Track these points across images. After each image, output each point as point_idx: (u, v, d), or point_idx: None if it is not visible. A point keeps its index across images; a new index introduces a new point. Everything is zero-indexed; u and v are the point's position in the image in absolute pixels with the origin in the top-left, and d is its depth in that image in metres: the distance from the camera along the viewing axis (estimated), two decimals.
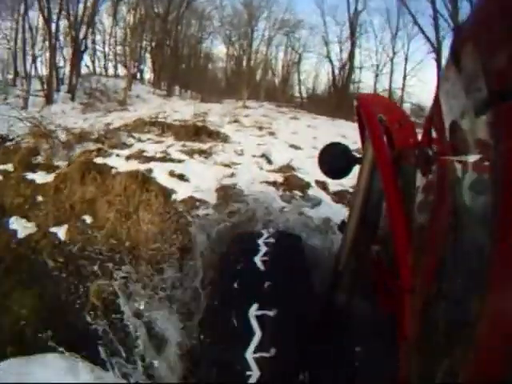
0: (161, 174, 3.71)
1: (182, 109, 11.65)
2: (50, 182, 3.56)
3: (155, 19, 19.88)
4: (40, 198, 3.36)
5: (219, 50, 24.68)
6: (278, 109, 15.37)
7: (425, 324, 0.81)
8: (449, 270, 0.73)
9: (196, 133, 5.59)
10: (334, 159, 1.53)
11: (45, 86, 12.30)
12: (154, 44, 20.95)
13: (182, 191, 3.40)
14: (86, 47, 17.05)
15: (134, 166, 3.87)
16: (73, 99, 12.94)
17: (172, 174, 3.76)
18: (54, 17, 13.46)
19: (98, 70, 19.94)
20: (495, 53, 0.56)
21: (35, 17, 13.67)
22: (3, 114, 8.72)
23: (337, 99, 17.49)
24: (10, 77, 14.22)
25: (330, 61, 19.71)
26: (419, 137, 1.21)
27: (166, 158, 4.31)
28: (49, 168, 3.98)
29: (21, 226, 2.90)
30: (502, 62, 0.53)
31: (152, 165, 3.96)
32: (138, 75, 21.14)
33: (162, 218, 2.95)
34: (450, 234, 0.74)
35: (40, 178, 3.75)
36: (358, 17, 18.08)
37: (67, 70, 14.56)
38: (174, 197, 3.30)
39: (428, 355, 0.76)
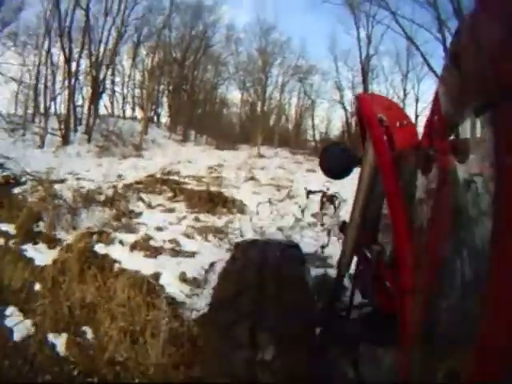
0: (170, 277, 3.09)
1: (196, 157, 11.82)
2: (49, 266, 3.27)
3: (173, 64, 21.02)
4: (38, 287, 3.12)
5: (234, 95, 26.23)
6: (294, 157, 15.52)
7: (425, 324, 0.82)
8: (449, 270, 0.74)
9: (210, 199, 5.14)
10: (335, 159, 1.55)
11: (62, 126, 12.58)
12: (171, 88, 22.03)
13: (197, 303, 2.82)
14: (105, 88, 17.58)
15: (140, 261, 3.32)
16: (89, 141, 13.20)
17: (183, 278, 3.12)
18: (76, 55, 14.13)
19: (116, 111, 20.92)
20: (494, 53, 0.57)
21: (57, 54, 14.19)
22: (18, 152, 9.16)
23: (351, 144, 18.01)
24: (30, 112, 14.62)
25: (343, 106, 20.24)
26: (419, 137, 1.24)
27: (176, 250, 3.66)
28: (50, 241, 3.72)
29: (17, 324, 2.68)
30: (501, 62, 0.55)
31: (160, 262, 3.34)
32: (155, 118, 22.08)
33: (175, 343, 2.47)
34: (450, 233, 0.76)
35: (39, 256, 3.49)
36: (369, 61, 18.70)
37: (86, 109, 15.07)
38: (187, 314, 2.72)
39: (428, 355, 0.76)
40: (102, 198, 4.91)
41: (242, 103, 25.95)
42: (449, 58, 0.84)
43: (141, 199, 5.12)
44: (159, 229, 4.16)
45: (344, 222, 1.59)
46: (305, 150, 17.95)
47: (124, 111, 21.04)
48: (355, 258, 1.55)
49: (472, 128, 0.69)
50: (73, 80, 13.90)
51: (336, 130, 22.92)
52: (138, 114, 20.59)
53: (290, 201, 6.23)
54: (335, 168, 1.55)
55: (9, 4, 12.79)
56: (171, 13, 18.97)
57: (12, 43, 13.94)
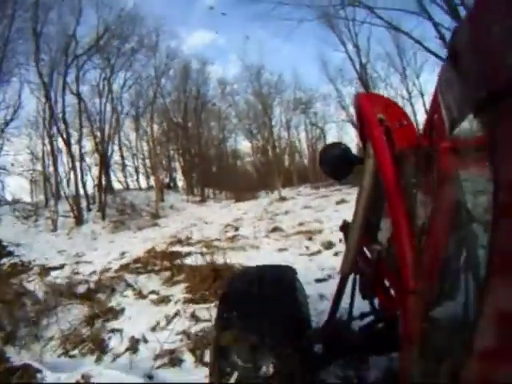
0: None
1: (214, 215, 12.06)
2: None
3: (176, 128, 21.91)
4: None
5: (243, 145, 27.08)
6: (318, 192, 15.35)
7: (426, 324, 0.83)
8: (450, 270, 0.79)
9: (216, 277, 3.83)
10: (335, 159, 1.57)
11: (74, 207, 13.04)
12: (180, 152, 22.90)
13: None
14: (109, 163, 18.16)
15: None
16: (103, 218, 13.52)
17: None
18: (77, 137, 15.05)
19: (130, 184, 21.77)
20: (494, 52, 0.60)
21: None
22: (30, 238, 9.37)
23: None
24: (42, 197, 15.60)
25: (353, 123, 20.25)
26: (419, 137, 1.29)
27: None
28: None
29: None
30: (501, 61, 0.57)
31: None
32: (171, 184, 22.84)
33: None
34: (451, 234, 0.79)
35: None
36: (365, 71, 19.30)
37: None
38: None
39: (429, 355, 0.80)
40: (84, 289, 4.01)
41: (253, 150, 26.75)
42: (448, 57, 0.86)
43: (130, 286, 4.13)
44: (136, 342, 2.85)
45: (346, 223, 1.64)
46: (327, 181, 17.64)
47: (138, 183, 22.13)
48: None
49: (472, 128, 0.71)
50: (78, 161, 14.85)
51: (353, 149, 23.58)
52: (154, 183, 21.41)
53: (328, 252, 4.86)
54: (335, 168, 1.59)
55: (8, 102, 13.79)
56: (158, 80, 19.98)
57: (17, 135, 15.03)
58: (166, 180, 22.28)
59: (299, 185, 19.51)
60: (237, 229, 8.31)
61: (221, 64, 33.73)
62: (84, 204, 14.42)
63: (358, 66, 18.97)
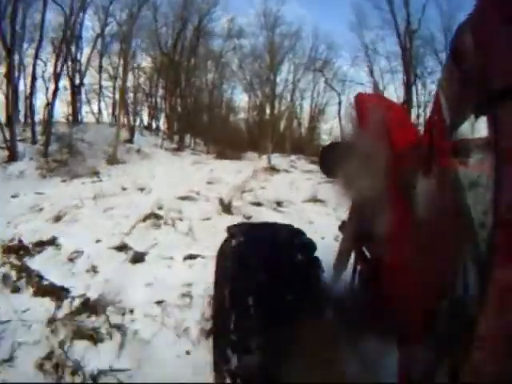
0: None
1: (176, 174, 9.91)
2: None
3: (165, 61, 20.40)
4: None
5: (241, 99, 26.30)
6: (314, 167, 13.35)
7: (425, 323, 0.91)
8: (450, 269, 0.83)
9: None
10: (335, 159, 1.63)
11: (7, 136, 11.06)
12: (166, 89, 21.51)
13: None
14: (78, 90, 17.07)
15: None
16: (46, 155, 11.72)
17: None
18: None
19: (106, 119, 20.63)
20: (494, 53, 0.64)
21: None
22: None
23: None
24: None
25: (377, 89, 19.43)
26: (419, 137, 1.34)
27: None
28: None
29: None
30: (502, 62, 0.62)
31: None
32: (154, 126, 21.71)
33: None
34: (451, 233, 0.85)
35: None
36: (411, 39, 17.21)
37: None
38: None
39: (428, 355, 0.86)
40: None
41: (249, 107, 25.89)
42: (449, 58, 0.92)
43: None
44: None
45: (343, 222, 1.72)
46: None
47: (115, 118, 20.17)
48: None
49: (472, 128, 0.76)
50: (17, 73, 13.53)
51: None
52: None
53: None
54: (335, 168, 1.63)
55: None
56: None
57: None
58: (136, 119, 20.93)
59: (292, 154, 18.58)
60: (180, 212, 5.83)
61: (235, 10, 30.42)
62: (28, 134, 12.86)
63: (402, 32, 16.94)
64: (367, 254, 1.58)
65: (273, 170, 12.51)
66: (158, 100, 22.65)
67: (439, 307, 0.86)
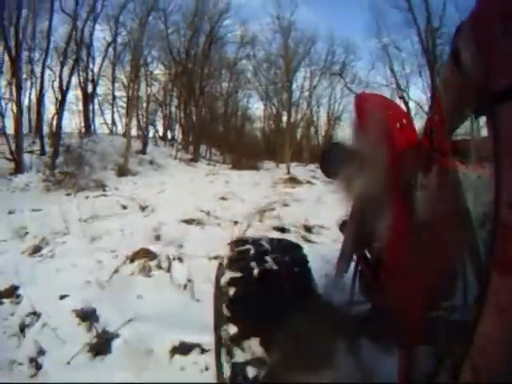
0: None
1: (188, 187, 9.43)
2: None
3: (176, 66, 20.04)
4: None
5: (256, 108, 26.23)
6: None
7: (426, 323, 0.92)
8: (450, 270, 0.87)
9: None
10: (336, 160, 1.64)
11: (13, 148, 10.99)
12: (180, 97, 21.13)
13: None
14: (91, 100, 16.95)
15: None
16: (53, 167, 11.02)
17: None
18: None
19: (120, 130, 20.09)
20: (495, 53, 0.65)
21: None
22: None
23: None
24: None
25: (402, 97, 19.27)
26: (419, 137, 1.35)
27: None
28: None
29: None
30: (502, 62, 0.62)
31: None
32: (170, 136, 21.40)
33: None
34: (450, 233, 0.86)
35: None
36: (433, 36, 16.48)
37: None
38: None
39: (428, 355, 0.88)
40: None
41: (265, 115, 25.76)
42: (449, 58, 0.92)
43: None
44: None
45: (343, 221, 1.73)
46: None
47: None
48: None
49: (472, 128, 0.78)
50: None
51: None
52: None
53: None
54: (335, 168, 1.63)
55: None
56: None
57: None
58: (149, 130, 20.63)
59: (309, 163, 18.45)
60: (181, 246, 4.51)
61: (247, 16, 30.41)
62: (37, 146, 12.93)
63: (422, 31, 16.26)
64: (368, 254, 1.59)
65: (294, 181, 11.76)
66: (173, 109, 22.60)
67: (439, 308, 0.89)
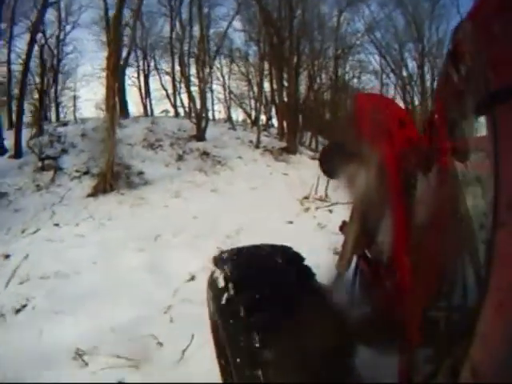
0: None
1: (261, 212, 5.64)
2: None
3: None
4: None
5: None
6: None
7: (425, 323, 0.93)
8: (450, 269, 0.87)
9: None
10: (335, 159, 1.66)
11: None
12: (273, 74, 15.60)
13: None
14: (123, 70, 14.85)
15: None
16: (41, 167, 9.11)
17: None
18: None
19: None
20: (493, 53, 0.65)
21: None
22: None
23: None
24: None
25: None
26: (419, 137, 1.36)
27: None
28: None
29: None
30: (501, 62, 0.63)
31: None
32: (267, 122, 16.77)
33: None
34: (451, 233, 0.87)
35: None
36: None
37: None
38: None
39: (428, 354, 0.89)
40: None
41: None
42: (448, 58, 0.93)
43: None
44: None
45: (344, 222, 1.73)
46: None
47: (187, 112, 16.02)
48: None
49: (472, 128, 0.78)
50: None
51: None
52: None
53: None
54: (335, 168, 1.66)
55: None
56: None
57: None
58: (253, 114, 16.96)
59: None
60: None
61: None
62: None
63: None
64: (369, 254, 1.61)
65: None
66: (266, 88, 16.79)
67: (439, 308, 0.89)
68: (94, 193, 7.87)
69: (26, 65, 11.12)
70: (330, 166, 1.73)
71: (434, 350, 0.88)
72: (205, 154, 10.49)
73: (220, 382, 1.75)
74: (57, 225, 6.24)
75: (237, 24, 16.62)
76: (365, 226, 1.50)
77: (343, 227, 1.74)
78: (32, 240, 5.41)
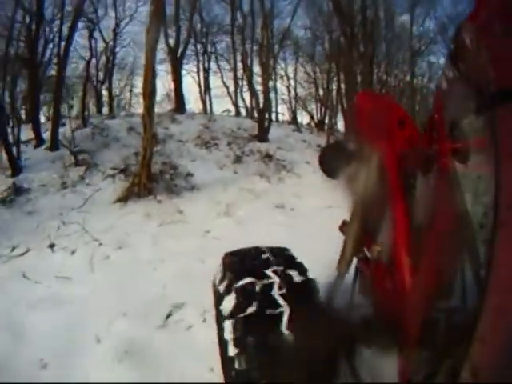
0: None
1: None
2: None
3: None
4: None
5: None
6: None
7: (425, 324, 0.92)
8: (450, 270, 0.86)
9: None
10: (335, 159, 1.66)
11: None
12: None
13: None
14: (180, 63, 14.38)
15: None
16: (76, 162, 8.03)
17: None
18: None
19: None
20: (494, 53, 0.65)
21: None
22: None
23: None
24: None
25: None
26: (419, 137, 1.36)
27: None
28: None
29: None
30: (501, 62, 0.63)
31: None
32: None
33: None
34: (450, 233, 0.86)
35: None
36: None
37: None
38: None
39: (428, 355, 0.88)
40: None
41: None
42: (449, 58, 0.93)
43: None
44: None
45: (344, 222, 1.73)
46: None
47: (248, 110, 15.52)
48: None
49: (472, 128, 0.77)
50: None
51: None
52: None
53: None
54: (335, 167, 1.65)
55: None
56: None
57: None
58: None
59: None
60: None
61: None
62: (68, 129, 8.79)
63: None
64: (369, 255, 1.58)
65: None
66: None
67: (439, 308, 0.88)
68: (125, 197, 6.46)
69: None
70: (330, 166, 1.73)
71: (433, 351, 0.87)
72: (267, 156, 9.16)
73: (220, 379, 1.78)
74: (52, 246, 4.77)
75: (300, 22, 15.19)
76: (365, 226, 1.50)
77: (343, 227, 1.74)
78: (3, 271, 4.03)
